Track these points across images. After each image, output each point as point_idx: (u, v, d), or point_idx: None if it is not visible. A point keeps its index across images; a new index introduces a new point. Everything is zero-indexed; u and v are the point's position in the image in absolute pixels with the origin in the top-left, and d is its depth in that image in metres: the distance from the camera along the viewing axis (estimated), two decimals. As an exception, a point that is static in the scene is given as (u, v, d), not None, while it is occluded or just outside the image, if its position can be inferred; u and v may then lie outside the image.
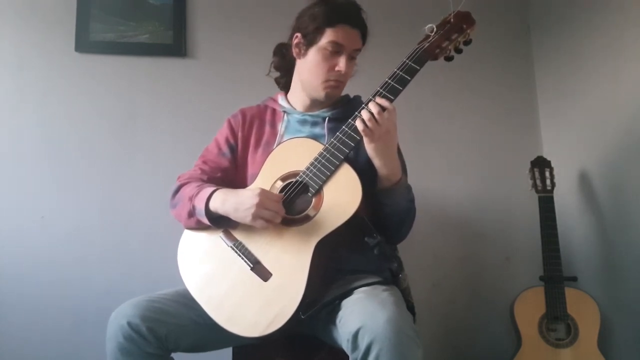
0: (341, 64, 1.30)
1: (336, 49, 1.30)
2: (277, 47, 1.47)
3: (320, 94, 1.35)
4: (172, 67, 2.04)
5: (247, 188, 1.28)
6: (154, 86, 2.02)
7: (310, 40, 1.32)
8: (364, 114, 1.17)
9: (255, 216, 1.15)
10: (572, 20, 2.03)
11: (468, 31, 1.25)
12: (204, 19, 2.09)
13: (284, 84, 1.48)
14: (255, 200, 1.15)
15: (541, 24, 2.23)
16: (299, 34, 1.34)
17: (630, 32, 1.74)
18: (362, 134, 1.18)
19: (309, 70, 1.34)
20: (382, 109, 1.18)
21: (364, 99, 1.30)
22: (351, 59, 1.34)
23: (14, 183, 1.89)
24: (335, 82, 1.34)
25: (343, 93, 1.42)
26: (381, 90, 1.21)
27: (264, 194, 1.17)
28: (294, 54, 1.38)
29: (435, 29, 1.24)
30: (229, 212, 1.20)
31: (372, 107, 1.18)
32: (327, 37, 1.29)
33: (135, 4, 2.04)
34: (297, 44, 1.35)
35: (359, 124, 1.18)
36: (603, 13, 1.86)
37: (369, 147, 1.20)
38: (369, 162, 1.32)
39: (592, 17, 1.92)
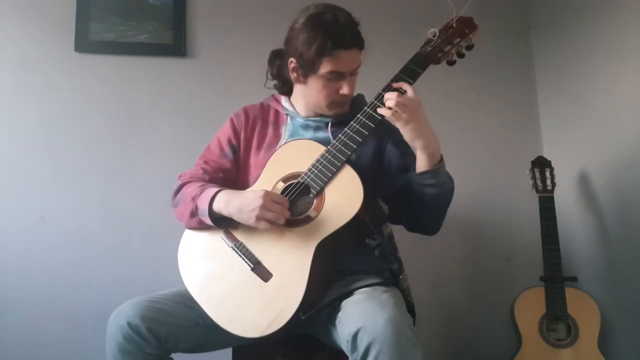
0: (345, 88, 1.28)
1: (336, 76, 1.27)
2: (271, 56, 1.44)
3: (327, 113, 1.35)
4: (172, 67, 2.04)
5: (250, 189, 1.28)
6: (153, 86, 2.02)
7: (307, 70, 1.28)
8: (389, 102, 1.16)
9: (259, 218, 1.15)
10: (572, 20, 2.02)
11: (470, 36, 1.26)
12: (204, 19, 2.09)
13: (286, 91, 1.46)
14: (259, 202, 1.15)
15: (541, 23, 2.23)
16: (294, 60, 1.30)
17: (630, 32, 1.73)
18: (393, 119, 1.16)
19: (312, 96, 1.33)
20: (401, 92, 1.18)
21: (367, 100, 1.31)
22: (352, 75, 1.31)
23: (14, 183, 1.88)
24: (341, 103, 1.33)
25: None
26: (383, 93, 1.22)
27: (267, 195, 1.17)
28: (292, 78, 1.35)
29: (437, 34, 1.25)
30: (232, 214, 1.20)
31: (391, 94, 1.16)
32: (325, 67, 1.25)
33: (135, 4, 2.03)
34: (294, 69, 1.32)
35: (385, 112, 1.16)
36: (603, 13, 1.86)
37: (405, 132, 1.18)
38: (370, 164, 1.33)
39: (592, 16, 1.92)
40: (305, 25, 1.26)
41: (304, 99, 1.38)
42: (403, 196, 1.30)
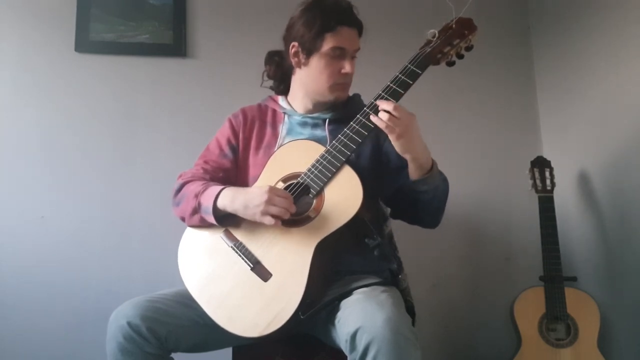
0: (347, 66, 1.31)
1: (339, 53, 1.30)
2: (269, 55, 1.46)
3: (328, 98, 1.36)
4: (172, 67, 2.04)
5: (255, 185, 1.28)
6: (153, 86, 2.02)
7: (310, 49, 1.31)
8: (382, 115, 1.16)
9: (264, 213, 1.15)
10: (572, 20, 2.03)
11: (470, 37, 1.26)
12: (204, 19, 2.09)
13: (282, 90, 1.47)
14: (264, 197, 1.16)
15: (541, 24, 2.23)
16: (296, 43, 1.33)
17: (630, 32, 1.74)
18: (387, 131, 1.17)
19: (314, 78, 1.34)
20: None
21: (365, 100, 1.31)
22: (352, 58, 1.34)
23: (14, 183, 1.89)
24: (342, 85, 1.35)
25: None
26: (383, 94, 1.22)
27: (272, 190, 1.17)
28: (293, 64, 1.37)
29: (437, 34, 1.25)
30: (237, 210, 1.20)
31: (385, 106, 1.16)
32: (328, 43, 1.29)
33: (135, 4, 2.04)
34: (295, 53, 1.34)
35: (381, 123, 1.17)
36: (603, 12, 1.86)
37: (397, 145, 1.19)
38: (370, 164, 1.33)
39: (592, 16, 1.92)
40: (307, 9, 1.32)
41: (305, 86, 1.38)
42: (401, 195, 1.31)
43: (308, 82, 1.36)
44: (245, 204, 1.18)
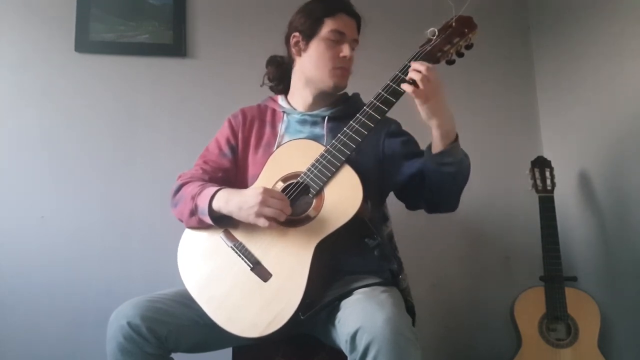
0: (345, 50, 1.33)
1: (338, 38, 1.33)
2: (270, 58, 1.48)
3: (328, 84, 1.36)
4: (172, 67, 2.04)
5: (250, 187, 1.28)
6: (153, 86, 2.02)
7: (309, 35, 1.34)
8: (414, 75, 1.13)
9: (258, 214, 1.15)
10: (572, 20, 2.02)
11: (470, 35, 1.25)
12: (204, 19, 2.09)
13: (282, 90, 1.48)
14: (259, 198, 1.15)
15: (541, 24, 2.23)
16: (296, 33, 1.36)
17: (630, 32, 1.74)
18: (414, 95, 1.14)
19: (314, 63, 1.35)
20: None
21: (364, 99, 1.31)
22: (352, 46, 1.36)
23: (14, 183, 1.88)
24: (341, 70, 1.35)
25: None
26: (383, 93, 1.22)
27: (267, 192, 1.17)
28: (294, 53, 1.39)
29: (437, 33, 1.24)
30: (232, 211, 1.20)
31: (418, 66, 1.14)
32: (328, 27, 1.32)
33: (135, 4, 2.04)
34: (296, 43, 1.37)
35: (408, 87, 1.14)
36: (603, 13, 1.86)
37: (423, 109, 1.17)
38: (371, 162, 1.33)
39: (592, 17, 1.92)
40: (305, 4, 1.37)
41: (305, 74, 1.38)
42: (418, 181, 1.30)
43: (309, 68, 1.37)
44: (240, 205, 1.18)
